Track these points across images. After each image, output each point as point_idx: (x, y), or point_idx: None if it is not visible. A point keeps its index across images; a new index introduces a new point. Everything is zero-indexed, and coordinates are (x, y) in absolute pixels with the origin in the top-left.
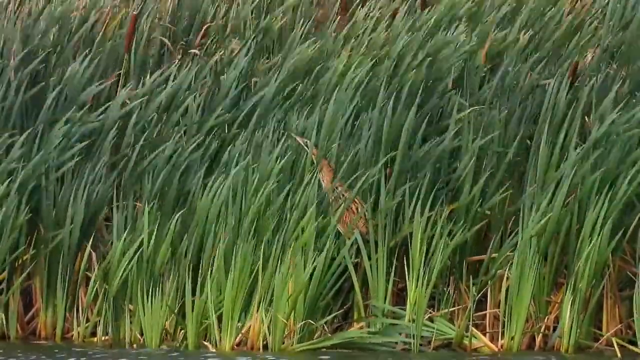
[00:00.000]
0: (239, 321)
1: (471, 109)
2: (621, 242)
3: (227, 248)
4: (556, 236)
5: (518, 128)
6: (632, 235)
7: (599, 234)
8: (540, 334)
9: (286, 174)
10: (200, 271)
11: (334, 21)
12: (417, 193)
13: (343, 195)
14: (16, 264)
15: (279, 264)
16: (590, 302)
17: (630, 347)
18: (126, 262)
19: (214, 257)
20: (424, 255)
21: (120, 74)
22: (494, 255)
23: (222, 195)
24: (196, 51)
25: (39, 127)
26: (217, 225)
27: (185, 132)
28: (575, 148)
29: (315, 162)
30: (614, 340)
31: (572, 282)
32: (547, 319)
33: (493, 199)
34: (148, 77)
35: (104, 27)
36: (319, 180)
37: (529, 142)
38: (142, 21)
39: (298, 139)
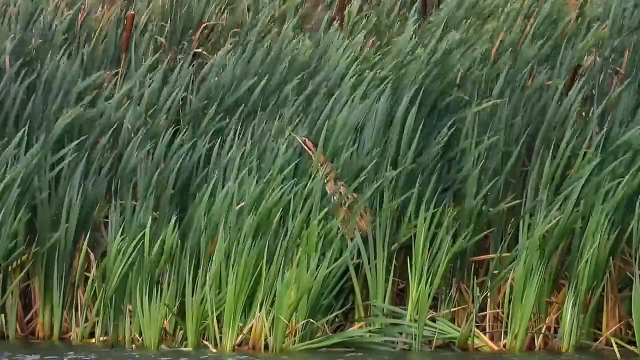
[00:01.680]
0: (240, 321)
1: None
2: (621, 244)
3: (229, 247)
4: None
5: (522, 129)
6: (631, 236)
7: (600, 237)
8: (541, 335)
9: (289, 173)
10: (200, 270)
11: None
12: (417, 192)
13: (347, 197)
14: (15, 264)
15: (282, 265)
16: (590, 302)
17: (629, 347)
18: (123, 262)
19: (215, 256)
20: (427, 254)
21: (117, 72)
22: (505, 254)
23: (224, 193)
24: (195, 50)
25: (32, 125)
26: (218, 224)
27: (184, 130)
28: (579, 148)
29: (314, 160)
30: (613, 340)
31: (573, 284)
32: (547, 319)
33: (499, 206)
34: (143, 75)
35: (99, 27)
36: (324, 182)
37: (532, 144)
38: (140, 20)
39: (297, 138)
